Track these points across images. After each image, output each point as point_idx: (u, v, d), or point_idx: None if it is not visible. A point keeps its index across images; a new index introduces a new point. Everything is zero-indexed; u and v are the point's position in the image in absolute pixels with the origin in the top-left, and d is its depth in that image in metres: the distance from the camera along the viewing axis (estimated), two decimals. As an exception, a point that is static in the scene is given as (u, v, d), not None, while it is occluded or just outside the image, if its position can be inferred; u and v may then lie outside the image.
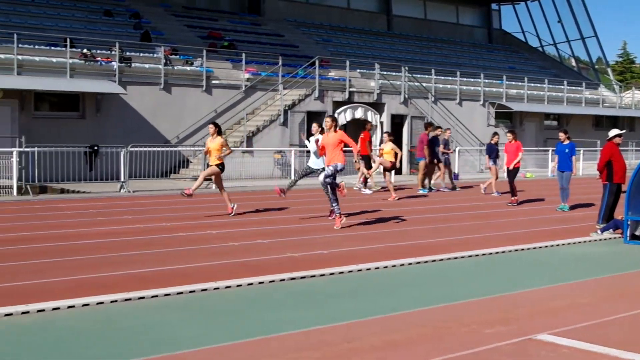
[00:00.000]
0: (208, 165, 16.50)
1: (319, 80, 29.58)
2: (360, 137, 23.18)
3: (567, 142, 18.35)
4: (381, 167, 21.42)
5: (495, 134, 22.75)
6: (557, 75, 46.64)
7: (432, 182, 23.63)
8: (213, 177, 16.38)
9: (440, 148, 23.56)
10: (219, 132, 16.23)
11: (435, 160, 23.17)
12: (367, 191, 22.37)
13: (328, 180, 14.19)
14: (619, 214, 14.46)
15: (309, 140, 17.18)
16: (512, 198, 19.64)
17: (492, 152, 22.00)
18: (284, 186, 16.68)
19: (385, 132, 21.45)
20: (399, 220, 16.02)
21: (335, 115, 29.31)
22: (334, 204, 14.55)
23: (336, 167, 14.19)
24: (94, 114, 25.11)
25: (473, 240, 13.42)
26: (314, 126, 16.83)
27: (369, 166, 22.82)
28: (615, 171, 14.84)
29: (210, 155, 16.13)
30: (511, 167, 19.57)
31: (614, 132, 15.26)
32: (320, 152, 14.79)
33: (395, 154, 20.87)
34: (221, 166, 16.13)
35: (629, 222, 13.63)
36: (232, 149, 16.98)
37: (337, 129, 14.50)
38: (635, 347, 6.89)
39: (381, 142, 23.59)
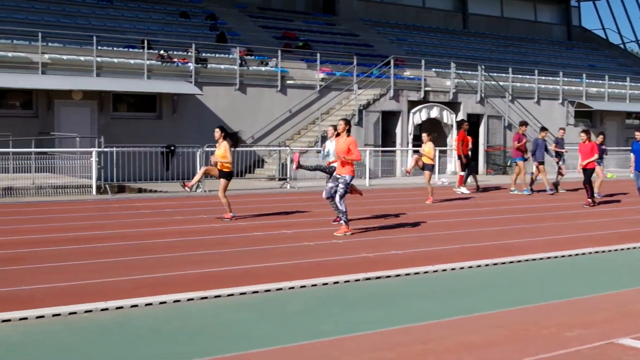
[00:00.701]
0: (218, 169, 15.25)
1: (393, 79, 29.40)
2: (455, 138, 22.80)
3: None
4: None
5: (601, 133, 22.65)
6: (639, 72, 45.34)
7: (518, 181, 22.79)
8: (221, 182, 15.23)
9: (553, 147, 22.91)
10: (224, 136, 15.24)
11: (536, 162, 22.19)
12: (465, 190, 21.95)
13: (341, 192, 13.17)
14: None
15: (324, 146, 15.72)
16: (588, 199, 19.08)
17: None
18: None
19: (425, 132, 20.46)
20: (472, 221, 15.77)
21: (410, 114, 29.13)
22: (340, 215, 13.35)
23: (345, 180, 13.18)
24: (171, 114, 25.50)
25: (555, 242, 13.10)
26: (330, 129, 15.49)
27: (462, 166, 22.35)
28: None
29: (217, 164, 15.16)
30: (579, 167, 19.07)
31: None
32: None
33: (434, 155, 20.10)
34: (228, 175, 15.14)
35: None
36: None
37: (350, 133, 13.48)
38: None
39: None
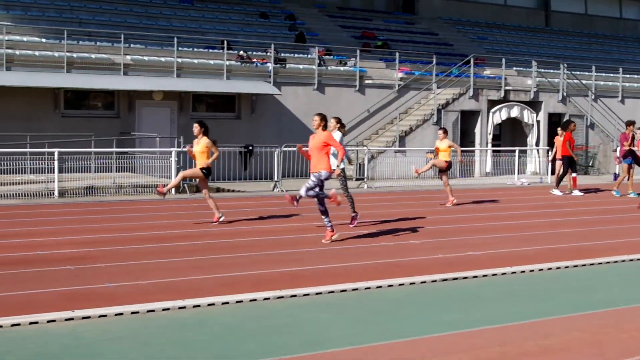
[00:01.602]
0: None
1: (473, 78, 29.07)
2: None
3: None
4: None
5: None
6: None
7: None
8: (197, 181, 14.81)
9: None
10: (205, 132, 14.42)
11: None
12: (557, 192, 21.52)
13: (311, 193, 12.23)
14: None
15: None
16: None
17: None
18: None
19: (441, 129, 18.96)
20: (552, 222, 15.48)
21: (489, 113, 28.73)
22: (323, 217, 12.44)
23: (319, 175, 12.24)
24: (249, 114, 25.78)
25: (632, 244, 12.76)
26: (332, 122, 14.57)
27: (572, 167, 21.79)
28: None
29: (195, 159, 14.44)
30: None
31: None
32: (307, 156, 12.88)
33: (454, 151, 18.72)
34: (206, 170, 14.34)
35: None
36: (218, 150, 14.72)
37: (326, 128, 12.69)
38: None
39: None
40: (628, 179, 21.32)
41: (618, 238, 13.50)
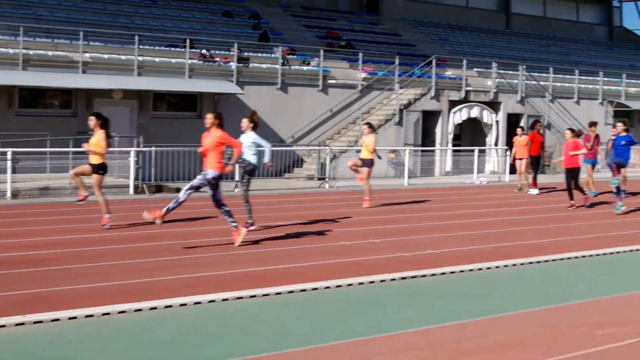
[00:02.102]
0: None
1: (435, 79, 29.36)
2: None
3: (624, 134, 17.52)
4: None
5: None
6: (679, 73, 44.68)
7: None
8: (93, 179, 13.68)
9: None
10: (102, 124, 13.29)
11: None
12: (534, 191, 21.79)
13: (195, 183, 11.70)
14: None
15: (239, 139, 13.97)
16: (570, 201, 18.35)
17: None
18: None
19: (365, 124, 18.10)
20: (508, 220, 15.76)
21: (450, 113, 29.06)
22: (226, 217, 11.94)
23: (205, 174, 11.74)
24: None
25: (584, 241, 13.07)
26: (245, 121, 14.13)
27: (534, 167, 22.09)
28: None
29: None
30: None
31: None
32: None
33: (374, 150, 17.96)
34: (100, 167, 13.49)
35: None
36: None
37: (221, 127, 12.09)
38: None
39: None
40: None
41: (572, 235, 13.79)
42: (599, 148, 21.80)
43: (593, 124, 21.92)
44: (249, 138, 13.92)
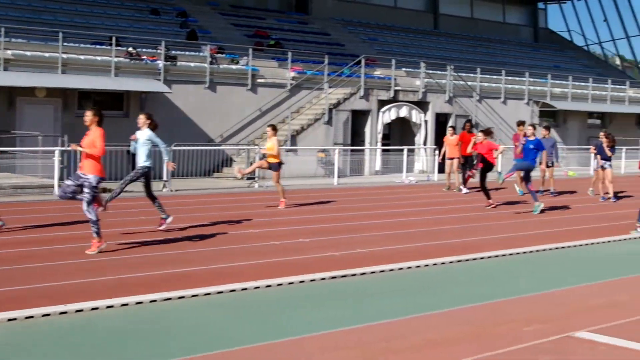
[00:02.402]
0: None
1: (364, 79, 29.50)
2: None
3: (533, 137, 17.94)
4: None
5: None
6: (601, 74, 45.97)
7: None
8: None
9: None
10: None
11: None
12: (465, 190, 21.94)
13: (87, 198, 10.91)
14: None
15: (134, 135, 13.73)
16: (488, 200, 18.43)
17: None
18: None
19: (269, 126, 17.63)
20: (437, 219, 15.92)
21: (379, 113, 29.24)
22: (92, 226, 11.01)
23: (90, 182, 10.97)
24: (138, 112, 25.14)
25: (514, 239, 13.30)
26: (141, 117, 13.67)
27: (464, 166, 22.15)
28: (656, 170, 14.71)
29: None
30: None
31: None
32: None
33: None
34: None
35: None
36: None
37: (100, 125, 11.27)
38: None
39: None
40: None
41: (499, 233, 13.99)
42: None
43: (521, 123, 22.05)
44: (144, 135, 13.51)
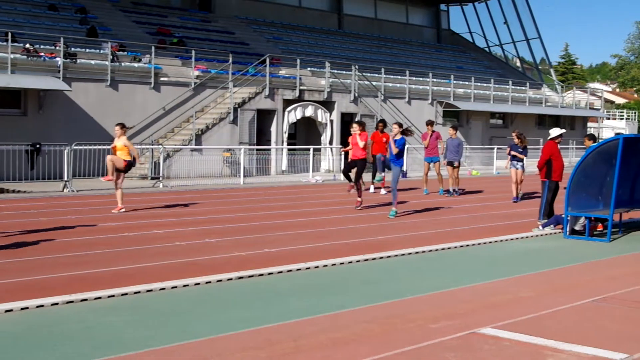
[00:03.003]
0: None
1: (269, 78, 29.43)
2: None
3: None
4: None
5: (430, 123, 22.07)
6: (503, 75, 47.26)
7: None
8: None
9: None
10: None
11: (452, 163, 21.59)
12: (373, 191, 21.86)
13: None
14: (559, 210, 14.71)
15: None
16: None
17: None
18: None
19: (117, 125, 16.40)
20: (344, 218, 15.99)
21: (285, 112, 29.23)
22: None
23: None
24: (37, 111, 24.53)
25: (418, 237, 13.46)
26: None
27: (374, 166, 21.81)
28: (554, 169, 15.16)
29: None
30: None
31: (556, 131, 15.55)
32: None
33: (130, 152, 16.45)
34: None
35: (568, 218, 14.00)
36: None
37: None
38: (573, 338, 7.04)
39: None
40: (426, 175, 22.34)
41: (405, 232, 14.14)
42: (439, 145, 22.32)
43: (430, 123, 22.45)
44: None
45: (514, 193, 20.45)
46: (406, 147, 17.90)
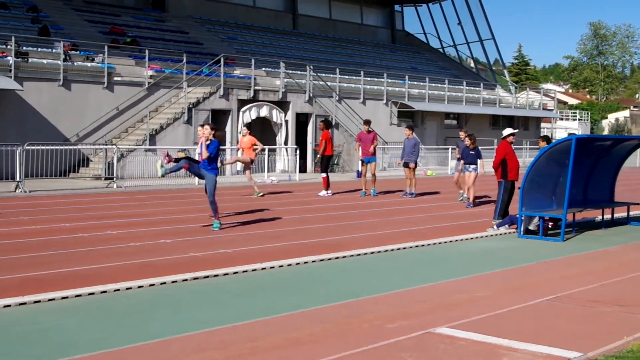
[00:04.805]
0: None
1: (224, 78, 29.34)
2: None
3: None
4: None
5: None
6: (457, 75, 47.71)
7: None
8: None
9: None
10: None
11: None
12: (325, 193, 21.45)
13: None
14: (514, 210, 14.88)
15: None
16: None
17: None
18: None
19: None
20: (300, 218, 16.02)
21: (240, 112, 29.17)
22: None
23: None
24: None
25: (374, 237, 13.53)
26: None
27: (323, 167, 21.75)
28: (510, 169, 15.28)
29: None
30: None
31: (507, 131, 15.72)
32: None
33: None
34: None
35: (522, 218, 14.15)
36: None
37: None
38: (527, 337, 7.12)
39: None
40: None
41: (361, 232, 14.20)
42: (372, 146, 21.56)
43: (367, 122, 21.87)
44: None
45: (471, 198, 19.48)
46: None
